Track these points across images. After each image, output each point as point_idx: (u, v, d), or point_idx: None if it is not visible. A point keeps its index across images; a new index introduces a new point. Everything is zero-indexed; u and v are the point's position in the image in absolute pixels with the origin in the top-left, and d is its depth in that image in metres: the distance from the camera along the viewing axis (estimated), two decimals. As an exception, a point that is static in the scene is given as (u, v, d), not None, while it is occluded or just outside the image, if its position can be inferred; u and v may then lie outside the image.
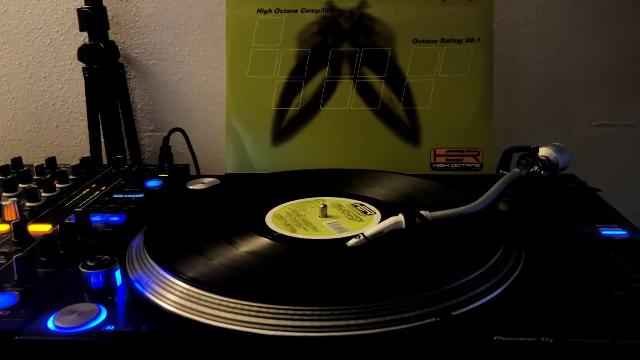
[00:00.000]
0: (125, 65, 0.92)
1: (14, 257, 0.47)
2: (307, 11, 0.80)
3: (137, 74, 0.94)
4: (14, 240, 0.54)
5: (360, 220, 0.56)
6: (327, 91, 0.80)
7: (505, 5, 0.86)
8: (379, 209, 0.59)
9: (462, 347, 0.39)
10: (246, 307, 0.41)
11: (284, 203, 0.62)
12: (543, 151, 0.63)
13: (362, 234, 0.50)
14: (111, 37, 0.90)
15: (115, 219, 0.60)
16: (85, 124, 0.92)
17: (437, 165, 0.79)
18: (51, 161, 0.77)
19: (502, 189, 0.58)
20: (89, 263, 0.46)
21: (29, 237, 0.55)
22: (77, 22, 0.87)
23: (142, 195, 0.68)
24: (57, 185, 0.70)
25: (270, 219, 0.58)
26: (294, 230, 0.54)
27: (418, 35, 0.79)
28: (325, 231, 0.54)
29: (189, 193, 0.71)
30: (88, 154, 0.90)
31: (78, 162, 0.77)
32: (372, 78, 0.80)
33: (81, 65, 0.90)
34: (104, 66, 0.88)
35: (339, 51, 0.80)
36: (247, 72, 0.81)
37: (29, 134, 0.97)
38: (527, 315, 0.42)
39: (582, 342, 0.38)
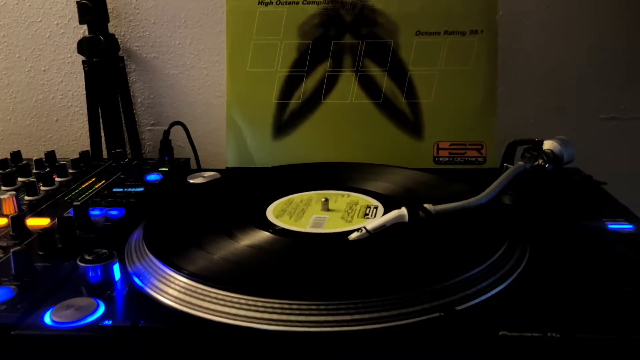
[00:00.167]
0: (125, 58, 0.92)
1: (11, 250, 0.46)
2: (308, 3, 0.79)
3: (137, 68, 0.93)
4: (12, 234, 0.54)
5: (348, 221, 0.55)
6: (328, 84, 0.79)
7: (509, -3, 0.85)
8: (382, 202, 0.59)
9: (466, 342, 0.38)
10: (247, 302, 0.40)
11: (285, 197, 0.61)
12: (548, 144, 0.62)
13: (365, 227, 0.49)
14: (111, 30, 0.89)
15: (114, 212, 0.59)
16: (85, 117, 0.92)
17: (440, 158, 0.78)
18: (50, 155, 0.76)
19: (506, 183, 0.57)
20: (86, 257, 0.45)
21: (27, 231, 0.54)
22: (76, 14, 0.86)
23: (142, 189, 0.67)
24: (57, 179, 0.70)
25: (271, 213, 0.57)
26: (295, 224, 0.54)
27: (421, 27, 0.78)
28: (327, 225, 0.53)
29: (189, 187, 0.71)
30: (88, 148, 0.90)
31: (78, 156, 0.76)
32: (375, 71, 0.79)
33: (81, 58, 0.89)
34: (104, 59, 0.87)
35: (341, 43, 0.79)
36: (248, 65, 0.80)
37: (29, 127, 0.97)
38: (532, 310, 0.41)
39: (589, 337, 0.38)
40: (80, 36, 0.88)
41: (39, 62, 0.94)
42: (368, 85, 0.79)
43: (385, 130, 0.78)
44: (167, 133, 0.80)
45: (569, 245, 0.51)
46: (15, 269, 0.46)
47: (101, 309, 0.41)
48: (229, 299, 0.41)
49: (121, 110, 0.91)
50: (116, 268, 0.46)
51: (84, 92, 0.90)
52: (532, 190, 0.60)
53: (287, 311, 0.40)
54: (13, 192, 0.61)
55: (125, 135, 0.92)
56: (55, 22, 0.92)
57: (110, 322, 0.40)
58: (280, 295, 0.40)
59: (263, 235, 0.51)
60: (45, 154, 0.76)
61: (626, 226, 0.54)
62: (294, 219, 0.55)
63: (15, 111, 0.96)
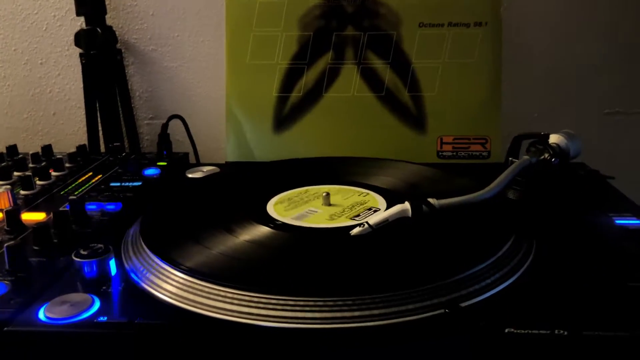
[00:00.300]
0: (123, 51, 0.90)
1: (5, 245, 0.45)
2: (309, -6, 0.78)
3: (135, 60, 0.92)
4: (6, 228, 0.53)
5: (331, 218, 0.53)
6: (330, 77, 0.78)
7: (514, -11, 0.84)
8: (384, 197, 0.57)
9: (471, 340, 0.37)
10: (246, 298, 0.40)
11: (286, 191, 0.60)
12: (554, 138, 0.61)
13: (367, 222, 0.48)
14: (109, 22, 0.88)
15: (111, 207, 0.58)
16: (82, 111, 0.91)
17: (444, 153, 0.77)
18: (47, 149, 0.76)
19: (511, 177, 0.56)
20: (82, 252, 0.45)
21: (22, 226, 0.53)
22: (73, 6, 0.85)
23: (139, 184, 0.66)
24: (53, 174, 0.69)
25: (271, 207, 0.56)
26: (295, 219, 0.53)
27: (424, 19, 0.77)
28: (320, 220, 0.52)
29: (188, 181, 0.70)
30: (86, 142, 0.89)
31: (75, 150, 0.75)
32: (377, 63, 0.78)
33: (78, 51, 0.88)
34: (102, 52, 0.86)
35: (343, 35, 0.78)
36: (248, 57, 0.79)
37: (26, 121, 0.96)
38: (539, 307, 0.40)
39: (598, 334, 0.37)
40: (77, 28, 0.87)
41: (35, 55, 0.93)
42: (370, 78, 0.78)
43: (388, 124, 0.77)
44: (165, 127, 0.79)
45: (576, 241, 0.50)
46: (9, 264, 0.45)
47: (96, 305, 0.40)
48: (227, 295, 0.40)
49: (119, 103, 0.90)
50: (112, 263, 0.45)
51: (82, 85, 0.89)
52: (538, 185, 0.59)
53: (288, 308, 0.39)
54: (8, 186, 0.60)
55: (123, 129, 0.91)
56: (52, 14, 0.91)
57: (106, 318, 0.39)
58: (280, 291, 0.39)
59: (263, 230, 0.50)
60: (42, 147, 0.76)
61: (634, 221, 0.54)
62: (289, 210, 0.54)
63: (12, 105, 0.95)
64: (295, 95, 0.78)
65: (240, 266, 0.45)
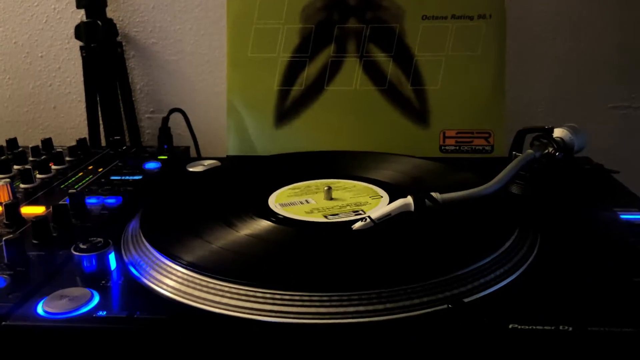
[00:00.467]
0: (123, 44, 0.90)
1: (4, 239, 0.45)
2: (311, -14, 0.77)
3: (136, 54, 0.91)
4: (5, 222, 0.52)
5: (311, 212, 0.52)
6: (332, 70, 0.77)
7: (518, -19, 0.83)
8: (387, 191, 0.57)
9: (475, 336, 0.37)
10: (247, 293, 0.39)
11: (287, 185, 0.59)
12: (558, 132, 0.61)
13: (369, 216, 0.48)
14: (109, 14, 0.87)
15: (111, 201, 0.58)
16: (83, 105, 0.90)
17: (447, 147, 0.76)
18: (47, 142, 0.75)
19: (515, 171, 0.55)
20: (81, 246, 0.44)
21: (21, 219, 0.53)
22: (74, -2, 0.84)
23: (140, 178, 0.65)
24: (53, 167, 0.68)
25: (272, 202, 0.55)
26: (297, 213, 0.52)
27: (427, 12, 0.76)
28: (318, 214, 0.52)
29: (189, 175, 0.69)
30: (86, 136, 0.88)
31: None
32: (379, 56, 0.77)
33: (79, 44, 0.87)
34: (102, 45, 0.86)
35: (345, 28, 0.77)
36: (249, 50, 0.78)
37: (26, 115, 0.95)
38: (543, 302, 0.40)
39: (603, 330, 0.36)
40: (77, 21, 0.86)
41: (36, 48, 0.92)
42: (373, 72, 0.77)
43: (390, 118, 0.77)
44: (166, 120, 0.79)
45: (580, 236, 0.49)
46: (7, 258, 0.45)
47: (95, 300, 0.40)
48: (228, 289, 0.40)
49: (120, 97, 0.89)
50: (112, 257, 0.45)
51: (82, 78, 0.88)
52: (542, 180, 0.58)
53: (289, 303, 0.38)
54: (7, 180, 0.60)
55: (124, 123, 0.91)
56: (52, 7, 0.90)
57: (105, 313, 0.39)
58: (281, 286, 0.39)
59: (264, 224, 0.50)
60: (42, 141, 0.75)
61: (639, 216, 0.53)
62: (297, 209, 0.53)
63: (13, 98, 0.95)
64: (297, 88, 0.78)
65: (242, 261, 0.44)
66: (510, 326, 0.37)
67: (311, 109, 0.78)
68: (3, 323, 0.38)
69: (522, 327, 0.37)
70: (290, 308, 0.38)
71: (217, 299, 0.39)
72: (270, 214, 0.52)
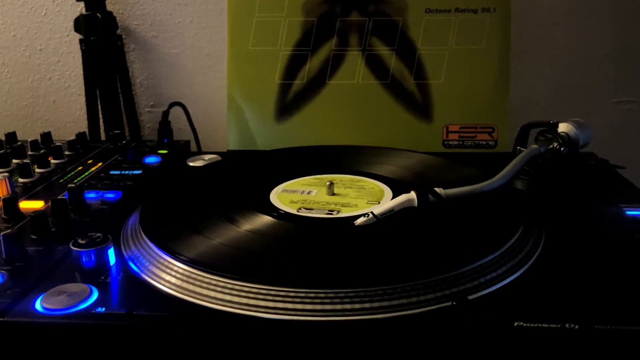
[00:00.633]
0: (123, 37, 0.89)
1: (2, 234, 0.44)
2: (313, -22, 0.76)
3: (136, 47, 0.90)
4: (3, 217, 0.52)
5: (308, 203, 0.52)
6: (334, 64, 0.77)
7: (522, -26, 0.82)
8: (389, 186, 0.56)
9: (479, 334, 0.36)
10: (248, 289, 0.39)
11: (289, 180, 0.59)
12: (563, 127, 0.60)
13: (372, 212, 0.47)
14: (109, 7, 0.87)
15: (111, 195, 0.57)
16: (82, 98, 0.90)
17: (450, 142, 0.76)
18: (46, 136, 0.75)
19: (519, 167, 0.55)
20: (80, 241, 0.44)
21: (19, 214, 0.52)
22: (73, -9, 0.84)
23: (140, 172, 0.65)
24: (52, 161, 0.68)
25: (274, 197, 0.55)
26: (299, 209, 0.52)
27: (431, 5, 0.75)
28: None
29: (189, 170, 0.69)
30: (86, 130, 0.87)
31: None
32: (382, 50, 0.76)
33: (78, 37, 0.86)
34: (102, 38, 0.85)
35: (347, 21, 0.76)
36: (250, 43, 0.77)
37: (25, 109, 0.95)
38: (549, 300, 0.39)
39: (610, 328, 0.36)
40: (77, 14, 0.85)
41: (35, 41, 0.91)
42: (375, 65, 0.76)
43: (393, 112, 0.76)
44: (166, 114, 0.78)
45: (586, 232, 0.49)
46: (5, 253, 0.45)
47: (94, 295, 0.40)
48: (229, 286, 0.39)
49: (120, 90, 0.89)
50: (111, 253, 0.44)
51: (82, 72, 0.88)
52: (547, 175, 0.58)
53: (290, 299, 0.38)
54: (6, 174, 0.59)
55: (124, 117, 0.90)
56: (52, -1, 0.89)
57: (104, 309, 0.38)
58: (282, 282, 0.39)
59: (266, 219, 0.49)
60: (41, 135, 0.75)
61: (645, 212, 0.52)
62: (299, 204, 0.53)
63: (11, 92, 0.94)
64: (299, 82, 0.77)
65: (242, 257, 0.44)
66: (515, 324, 0.36)
67: (313, 103, 0.77)
68: (1, 319, 0.37)
69: (528, 325, 0.36)
70: (292, 305, 0.38)
71: (218, 295, 0.39)
72: (271, 209, 0.52)
